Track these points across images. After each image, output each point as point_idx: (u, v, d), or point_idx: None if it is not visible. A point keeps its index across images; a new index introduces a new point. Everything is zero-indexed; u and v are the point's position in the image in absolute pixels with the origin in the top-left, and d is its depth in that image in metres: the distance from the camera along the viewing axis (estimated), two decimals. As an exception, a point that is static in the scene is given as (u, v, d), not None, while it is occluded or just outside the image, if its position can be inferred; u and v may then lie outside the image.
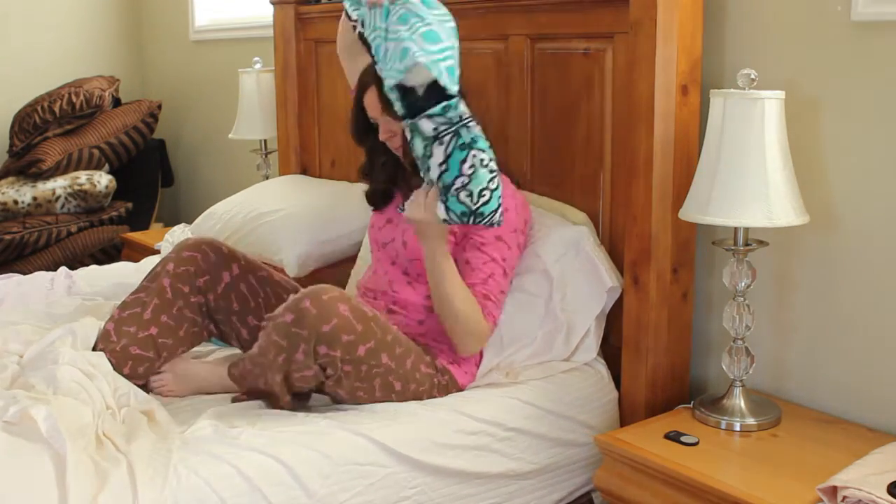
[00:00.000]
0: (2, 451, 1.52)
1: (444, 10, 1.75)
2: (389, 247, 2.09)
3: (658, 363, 2.00)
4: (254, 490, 1.57)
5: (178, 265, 2.01)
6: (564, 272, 2.07)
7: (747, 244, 1.81)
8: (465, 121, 1.69)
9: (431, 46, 1.67)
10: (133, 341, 1.94)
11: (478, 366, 2.03)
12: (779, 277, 1.96)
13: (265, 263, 2.24)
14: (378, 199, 2.15)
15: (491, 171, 1.71)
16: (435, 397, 1.91)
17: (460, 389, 1.97)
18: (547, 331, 2.06)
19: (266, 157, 3.33)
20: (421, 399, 1.88)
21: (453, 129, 1.68)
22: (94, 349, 1.92)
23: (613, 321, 2.14)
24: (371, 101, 1.94)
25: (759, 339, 1.96)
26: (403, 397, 1.86)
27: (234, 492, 1.55)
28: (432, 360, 1.94)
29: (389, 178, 2.10)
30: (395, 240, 2.08)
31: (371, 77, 1.89)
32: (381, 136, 1.97)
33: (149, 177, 4.16)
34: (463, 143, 1.69)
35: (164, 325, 1.97)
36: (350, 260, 2.58)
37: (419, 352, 1.91)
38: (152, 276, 2.03)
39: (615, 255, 2.08)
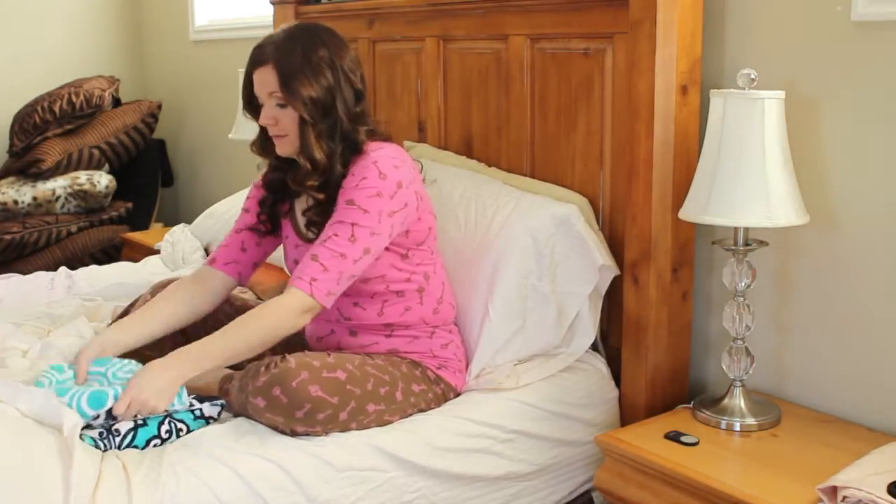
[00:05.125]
0: (15, 433, 1.55)
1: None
2: None
3: (658, 363, 2.00)
4: (254, 494, 1.57)
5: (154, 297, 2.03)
6: (554, 251, 2.06)
7: (747, 244, 1.81)
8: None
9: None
10: (116, 353, 1.94)
11: (463, 362, 2.01)
12: (779, 277, 1.96)
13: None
14: (275, 188, 2.00)
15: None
16: (433, 409, 1.89)
17: (457, 391, 1.97)
18: (537, 311, 2.05)
19: (266, 156, 3.32)
20: (424, 411, 1.88)
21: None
22: None
23: (613, 321, 2.14)
24: (265, 78, 1.81)
25: (759, 339, 1.96)
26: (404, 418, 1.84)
27: (234, 495, 1.56)
28: (423, 373, 1.90)
29: (281, 167, 1.95)
30: None
31: (272, 54, 1.80)
32: (262, 120, 1.85)
33: (149, 177, 4.16)
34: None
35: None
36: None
37: (406, 375, 1.86)
38: (131, 312, 2.05)
39: (615, 254, 2.08)
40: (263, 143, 1.96)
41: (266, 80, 1.81)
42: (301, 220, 1.95)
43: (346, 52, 1.87)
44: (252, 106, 1.91)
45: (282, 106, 1.81)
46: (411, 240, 1.89)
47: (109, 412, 1.64)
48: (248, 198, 2.06)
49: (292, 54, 1.80)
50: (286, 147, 1.86)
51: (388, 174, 1.81)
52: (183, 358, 1.71)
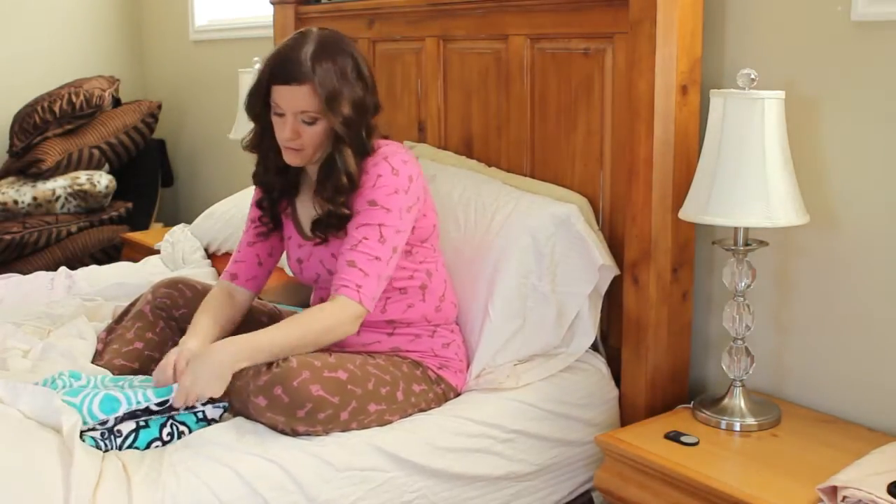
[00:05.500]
0: (16, 434, 1.55)
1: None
2: (321, 280, 1.96)
3: (658, 363, 2.00)
4: (254, 494, 1.57)
5: (156, 297, 2.04)
6: (554, 250, 2.06)
7: (747, 244, 1.81)
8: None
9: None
10: (117, 354, 1.96)
11: (464, 362, 2.01)
12: (779, 277, 1.96)
13: None
14: (268, 187, 1.99)
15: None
16: (434, 408, 1.89)
17: (457, 391, 1.97)
18: (537, 311, 2.04)
19: (266, 156, 3.32)
20: (424, 411, 1.88)
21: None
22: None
23: (613, 321, 2.14)
24: (299, 96, 1.77)
25: (759, 339, 1.96)
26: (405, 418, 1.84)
27: (234, 495, 1.56)
28: (424, 373, 1.90)
29: (280, 171, 1.95)
30: (319, 275, 1.95)
31: (310, 74, 1.76)
32: (286, 134, 1.80)
33: (149, 177, 4.16)
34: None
35: (149, 341, 1.99)
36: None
37: (407, 375, 1.86)
38: (132, 311, 2.06)
39: (615, 254, 2.08)
40: (257, 143, 1.95)
41: (300, 99, 1.77)
42: (304, 221, 1.96)
43: (366, 62, 1.87)
44: (257, 112, 1.88)
45: (309, 123, 1.80)
46: (416, 236, 1.90)
47: (144, 411, 1.67)
48: (251, 207, 2.08)
49: (331, 74, 1.77)
50: (297, 159, 1.86)
51: (400, 169, 1.84)
52: (237, 345, 1.72)
